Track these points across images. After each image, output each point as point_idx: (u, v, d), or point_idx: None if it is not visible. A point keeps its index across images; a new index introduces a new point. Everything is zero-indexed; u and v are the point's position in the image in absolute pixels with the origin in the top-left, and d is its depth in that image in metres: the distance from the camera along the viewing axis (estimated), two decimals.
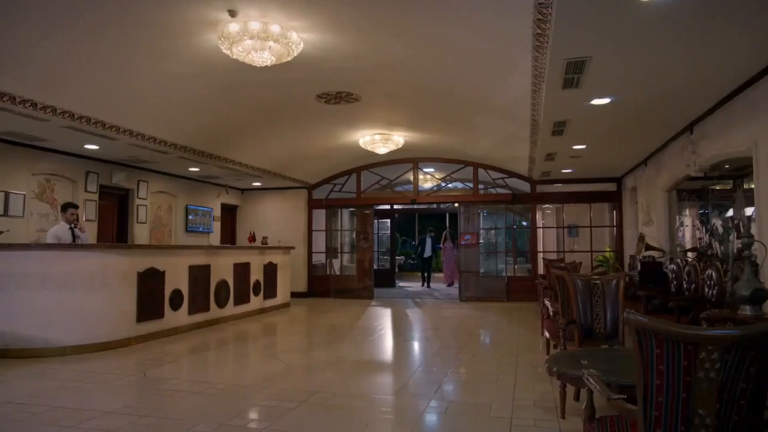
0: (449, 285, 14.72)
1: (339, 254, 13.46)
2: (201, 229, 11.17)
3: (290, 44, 4.99)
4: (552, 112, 5.82)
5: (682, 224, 7.09)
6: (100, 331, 5.85)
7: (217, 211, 11.86)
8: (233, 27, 4.79)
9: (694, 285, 5.86)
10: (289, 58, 5.17)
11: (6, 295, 5.48)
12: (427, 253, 15.16)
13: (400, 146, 9.46)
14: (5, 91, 5.18)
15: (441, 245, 15.59)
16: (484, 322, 8.34)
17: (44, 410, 3.73)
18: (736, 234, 5.23)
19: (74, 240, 6.29)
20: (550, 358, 3.09)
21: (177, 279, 7.01)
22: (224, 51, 5.03)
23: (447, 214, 23.71)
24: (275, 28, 4.82)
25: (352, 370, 5.36)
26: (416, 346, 6.60)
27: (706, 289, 5.50)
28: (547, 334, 5.36)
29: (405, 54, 5.48)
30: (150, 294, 6.50)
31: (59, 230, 6.30)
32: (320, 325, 8.35)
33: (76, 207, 6.57)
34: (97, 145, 7.47)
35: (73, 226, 6.31)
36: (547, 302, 5.40)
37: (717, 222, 5.85)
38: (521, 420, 3.52)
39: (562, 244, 12.37)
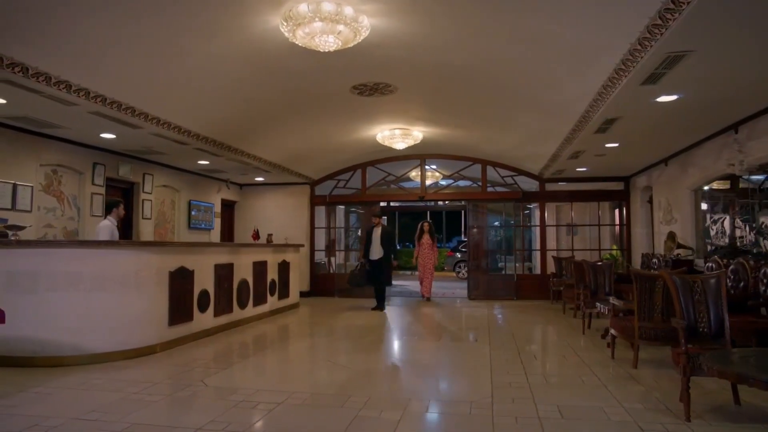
0: (427, 299, 10.81)
1: (341, 252, 13.14)
2: (203, 225, 10.60)
3: (359, 29, 4.70)
4: (611, 109, 5.73)
5: (715, 222, 7.18)
6: (134, 336, 5.37)
7: (218, 207, 11.30)
8: (303, 7, 4.46)
9: (743, 283, 5.92)
10: (352, 44, 4.89)
11: (34, 297, 4.93)
12: (375, 253, 9.14)
13: (419, 141, 9.24)
14: (42, 70, 4.64)
15: (417, 241, 11.08)
16: (511, 320, 8.23)
17: (125, 427, 3.32)
18: None
19: None
20: (713, 360, 2.94)
21: (204, 279, 6.56)
22: (285, 33, 4.70)
23: (428, 212, 23.72)
24: (349, 11, 4.52)
25: (423, 373, 5.12)
26: (466, 347, 6.39)
27: (762, 287, 5.56)
28: (613, 331, 5.28)
29: (464, 43, 5.23)
30: (181, 295, 6.04)
31: (112, 227, 6.10)
32: (347, 326, 8.00)
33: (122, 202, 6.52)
34: (114, 134, 6.89)
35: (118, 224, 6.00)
36: (614, 300, 5.31)
37: (767, 221, 5.93)
38: (648, 424, 3.37)
39: (563, 242, 12.47)
